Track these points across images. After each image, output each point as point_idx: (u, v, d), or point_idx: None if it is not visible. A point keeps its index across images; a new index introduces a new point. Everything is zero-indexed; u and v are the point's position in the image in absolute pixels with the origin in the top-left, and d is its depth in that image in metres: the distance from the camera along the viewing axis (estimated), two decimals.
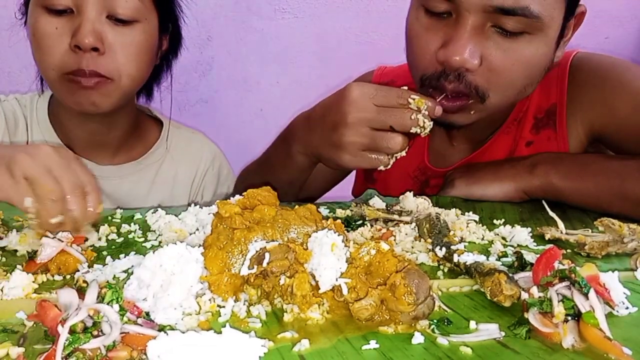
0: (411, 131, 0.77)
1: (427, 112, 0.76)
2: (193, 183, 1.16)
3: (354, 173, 1.22)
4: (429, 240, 0.67)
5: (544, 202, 0.81)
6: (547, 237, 0.71)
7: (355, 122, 0.77)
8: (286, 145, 0.92)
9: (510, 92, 0.83)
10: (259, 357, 0.42)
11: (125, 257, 0.63)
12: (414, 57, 0.85)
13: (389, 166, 0.79)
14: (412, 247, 0.68)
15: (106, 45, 0.91)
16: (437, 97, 0.80)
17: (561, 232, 0.71)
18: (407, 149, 0.78)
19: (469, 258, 0.59)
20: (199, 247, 0.54)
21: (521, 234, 0.70)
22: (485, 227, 0.75)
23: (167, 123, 1.17)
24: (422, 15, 0.82)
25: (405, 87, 0.79)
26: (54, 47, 0.90)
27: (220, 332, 0.43)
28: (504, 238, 0.72)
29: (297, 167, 0.92)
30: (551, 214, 0.76)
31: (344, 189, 1.23)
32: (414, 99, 0.76)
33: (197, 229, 0.72)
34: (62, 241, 0.61)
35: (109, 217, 0.79)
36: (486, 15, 0.75)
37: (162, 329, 0.46)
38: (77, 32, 0.88)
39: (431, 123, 0.77)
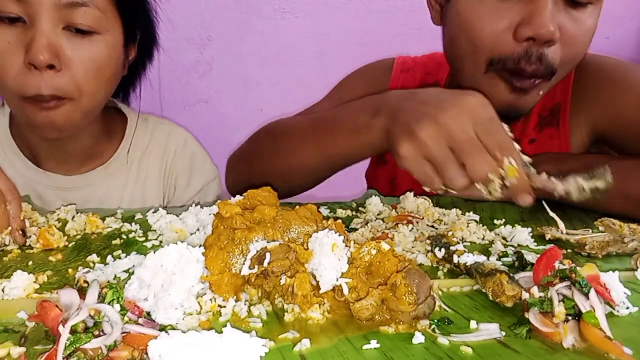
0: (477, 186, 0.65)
1: (507, 183, 0.64)
2: (164, 176, 1.07)
3: (350, 169, 1.20)
4: (427, 241, 0.67)
5: (544, 202, 0.81)
6: (548, 237, 0.71)
7: (443, 127, 0.65)
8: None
9: (571, 66, 0.83)
10: (260, 356, 0.42)
11: (126, 256, 0.63)
12: (481, 41, 0.82)
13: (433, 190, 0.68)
14: (412, 247, 0.68)
15: (63, 61, 0.81)
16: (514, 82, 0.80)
17: (561, 232, 0.71)
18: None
19: (468, 259, 0.59)
20: (199, 247, 0.54)
21: (521, 234, 0.71)
22: (485, 227, 0.75)
23: (132, 120, 1.05)
24: None
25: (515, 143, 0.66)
26: (7, 66, 0.80)
27: (221, 332, 0.43)
28: (504, 238, 0.72)
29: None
30: (551, 214, 0.76)
31: (344, 188, 1.23)
32: (510, 163, 0.64)
33: (198, 229, 0.72)
34: None
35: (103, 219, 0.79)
36: None
37: (163, 328, 0.46)
38: (31, 47, 0.78)
39: (500, 193, 0.65)
